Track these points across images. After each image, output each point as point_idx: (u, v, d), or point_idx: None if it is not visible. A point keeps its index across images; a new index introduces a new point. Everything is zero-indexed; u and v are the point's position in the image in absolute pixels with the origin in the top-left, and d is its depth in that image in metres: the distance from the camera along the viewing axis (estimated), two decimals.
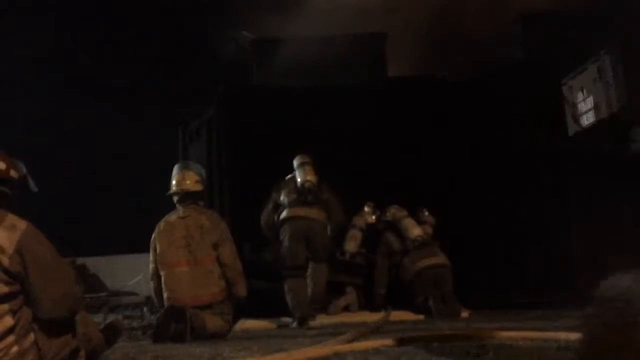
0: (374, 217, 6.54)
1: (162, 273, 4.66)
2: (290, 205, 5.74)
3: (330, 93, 7.02)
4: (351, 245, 6.24)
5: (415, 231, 6.08)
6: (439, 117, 6.96)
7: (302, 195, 5.68)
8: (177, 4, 12.56)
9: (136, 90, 12.33)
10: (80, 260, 11.01)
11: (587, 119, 7.16)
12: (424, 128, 7.03)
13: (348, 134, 7.06)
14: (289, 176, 5.88)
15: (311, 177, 5.66)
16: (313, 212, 5.70)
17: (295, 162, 5.83)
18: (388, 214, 6.41)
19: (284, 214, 5.78)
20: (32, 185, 3.03)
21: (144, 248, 5.13)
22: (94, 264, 11.21)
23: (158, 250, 4.70)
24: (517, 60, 8.26)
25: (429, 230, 6.36)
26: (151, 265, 4.78)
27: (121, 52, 12.77)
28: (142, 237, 5.11)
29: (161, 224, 4.78)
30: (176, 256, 4.62)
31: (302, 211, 5.69)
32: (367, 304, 6.21)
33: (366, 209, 6.52)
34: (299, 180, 5.70)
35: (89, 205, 11.95)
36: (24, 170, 3.00)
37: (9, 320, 2.60)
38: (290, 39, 8.29)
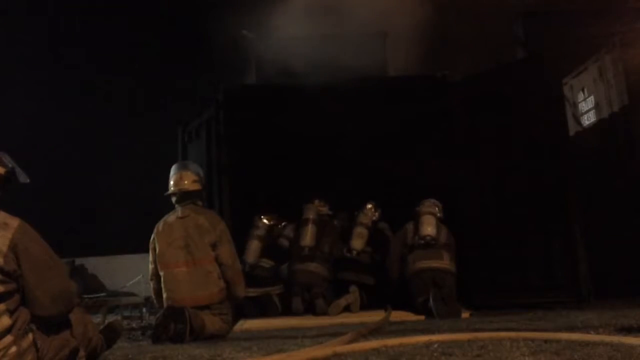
0: (377, 215, 6.58)
1: (161, 273, 4.65)
2: (294, 258, 6.31)
3: (330, 92, 6.99)
4: (358, 243, 6.32)
5: (427, 229, 5.99)
6: (439, 117, 6.95)
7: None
8: (177, 4, 12.54)
9: (136, 90, 12.31)
10: (79, 261, 10.98)
11: (588, 119, 7.14)
12: (424, 128, 7.01)
13: (348, 134, 7.04)
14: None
15: (309, 242, 6.22)
16: (312, 266, 6.20)
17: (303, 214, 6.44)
18: (421, 206, 6.31)
19: (292, 265, 6.32)
20: (23, 178, 2.92)
21: (143, 248, 5.12)
22: (93, 264, 11.16)
23: (157, 251, 4.68)
24: (517, 60, 8.24)
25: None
26: (150, 266, 4.77)
27: (121, 52, 12.75)
28: (142, 238, 5.10)
29: (160, 225, 4.77)
30: (175, 257, 4.60)
31: (302, 265, 6.22)
32: (370, 303, 6.20)
33: (369, 206, 6.55)
34: (299, 240, 6.31)
35: (88, 205, 11.91)
36: (11, 163, 2.90)
37: (6, 320, 2.57)
38: (290, 38, 8.27)
